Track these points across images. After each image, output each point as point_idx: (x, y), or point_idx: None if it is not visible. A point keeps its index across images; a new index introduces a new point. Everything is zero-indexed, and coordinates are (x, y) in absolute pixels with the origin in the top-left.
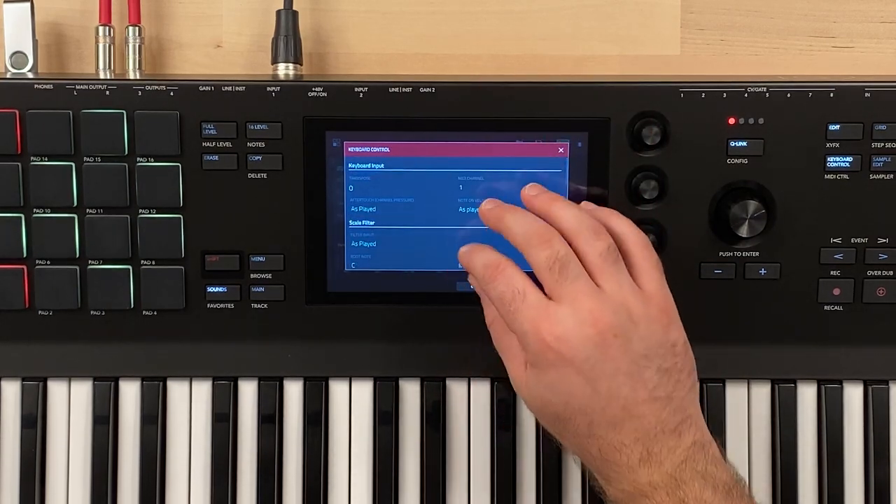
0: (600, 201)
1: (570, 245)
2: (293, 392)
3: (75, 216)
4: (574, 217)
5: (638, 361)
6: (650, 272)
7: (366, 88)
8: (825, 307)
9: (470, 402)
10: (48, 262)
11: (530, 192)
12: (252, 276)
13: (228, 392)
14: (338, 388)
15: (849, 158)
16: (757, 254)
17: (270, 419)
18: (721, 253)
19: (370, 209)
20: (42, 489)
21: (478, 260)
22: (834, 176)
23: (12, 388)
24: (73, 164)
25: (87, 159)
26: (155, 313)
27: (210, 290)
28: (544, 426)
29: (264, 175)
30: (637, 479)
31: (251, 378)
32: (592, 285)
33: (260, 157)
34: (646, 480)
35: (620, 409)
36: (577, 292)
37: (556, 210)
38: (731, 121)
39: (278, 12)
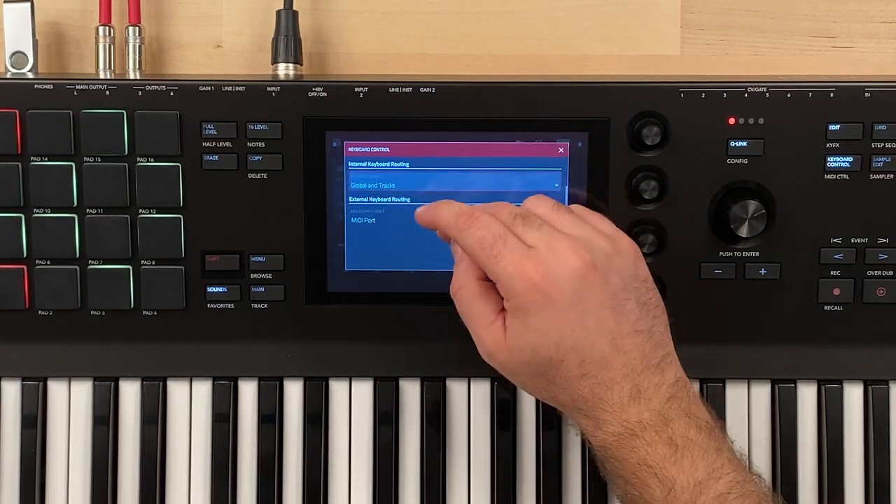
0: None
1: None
2: (293, 392)
3: (75, 216)
4: (507, 205)
5: (618, 294)
6: (602, 220)
7: (366, 88)
8: (825, 307)
9: (470, 402)
10: (48, 262)
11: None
12: (252, 276)
13: (228, 392)
14: (338, 388)
15: (849, 158)
16: (757, 254)
17: (270, 419)
18: (721, 253)
19: (370, 209)
20: (42, 489)
21: (446, 210)
22: (834, 176)
23: (12, 388)
24: (73, 164)
25: (87, 159)
26: (155, 313)
27: (210, 290)
28: (529, 386)
29: (264, 175)
30: (627, 419)
31: (251, 378)
32: (558, 230)
33: (260, 157)
34: (636, 419)
35: (608, 343)
36: (547, 236)
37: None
38: (731, 121)
39: (278, 12)
